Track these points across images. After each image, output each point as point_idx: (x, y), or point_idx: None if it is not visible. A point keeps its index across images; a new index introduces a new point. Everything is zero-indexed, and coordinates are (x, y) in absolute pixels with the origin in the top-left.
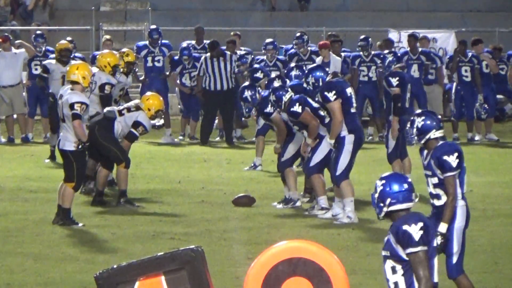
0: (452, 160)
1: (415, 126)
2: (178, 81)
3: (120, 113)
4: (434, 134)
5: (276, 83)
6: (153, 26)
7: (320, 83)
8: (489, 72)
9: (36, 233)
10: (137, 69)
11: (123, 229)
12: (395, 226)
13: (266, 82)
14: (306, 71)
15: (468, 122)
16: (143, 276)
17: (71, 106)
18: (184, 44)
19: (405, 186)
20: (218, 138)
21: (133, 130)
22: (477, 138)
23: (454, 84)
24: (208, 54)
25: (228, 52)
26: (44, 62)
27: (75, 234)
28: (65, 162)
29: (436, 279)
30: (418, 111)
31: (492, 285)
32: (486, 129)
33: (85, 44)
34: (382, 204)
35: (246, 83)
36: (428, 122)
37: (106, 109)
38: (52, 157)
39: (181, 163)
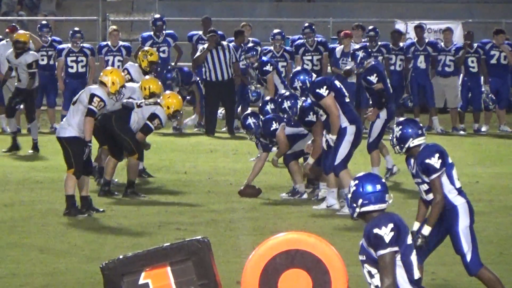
0: (435, 162)
1: (394, 135)
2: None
3: (138, 105)
4: (413, 142)
5: (268, 107)
6: (157, 16)
7: (308, 85)
8: (507, 63)
9: (42, 223)
10: (159, 69)
11: (129, 219)
12: (366, 229)
13: (260, 104)
14: (291, 76)
15: (474, 113)
16: (149, 267)
17: (91, 97)
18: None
19: (378, 187)
20: (224, 129)
21: (148, 122)
22: (483, 129)
23: (461, 75)
24: (206, 44)
25: (224, 43)
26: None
27: (81, 224)
28: (63, 150)
29: (417, 275)
30: (400, 119)
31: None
32: (499, 120)
33: (92, 34)
34: (355, 205)
35: (249, 111)
36: (406, 130)
37: (125, 100)
38: (14, 147)
39: (187, 153)
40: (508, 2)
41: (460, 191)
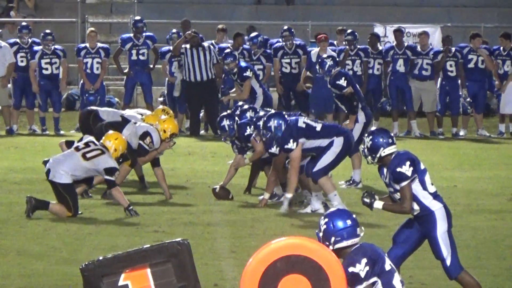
0: (406, 169)
1: (365, 146)
2: (167, 71)
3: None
4: (384, 151)
5: (249, 114)
6: (138, 17)
7: (283, 127)
8: (484, 68)
9: (20, 225)
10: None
11: (107, 221)
12: (343, 268)
13: (238, 112)
14: (264, 119)
15: (453, 117)
16: (128, 268)
17: (107, 171)
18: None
19: (349, 222)
20: (203, 131)
21: (141, 142)
22: (461, 133)
23: (439, 79)
24: (188, 44)
25: (205, 44)
26: None
27: (59, 226)
28: (57, 193)
29: None
30: (372, 128)
31: None
32: (477, 124)
33: (71, 36)
34: (327, 243)
35: (225, 113)
36: (377, 140)
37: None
38: None
39: (166, 156)
40: (486, 7)
41: (435, 195)
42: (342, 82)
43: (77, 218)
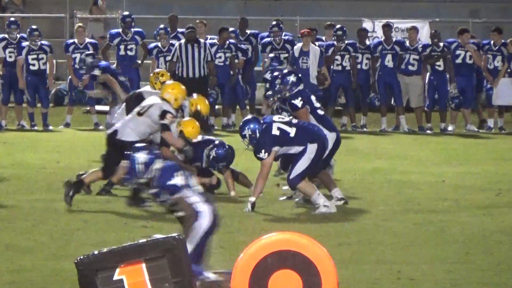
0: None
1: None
2: (156, 66)
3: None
4: None
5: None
6: (126, 13)
7: (257, 135)
8: (472, 63)
9: (8, 220)
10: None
11: (95, 217)
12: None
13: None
14: (241, 124)
15: (441, 112)
16: (123, 263)
17: (163, 113)
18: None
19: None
20: None
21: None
22: (450, 128)
23: (428, 74)
24: (183, 40)
25: (202, 40)
26: None
27: (47, 221)
28: (112, 152)
29: None
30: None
31: (463, 275)
32: (465, 120)
33: (59, 31)
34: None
35: (249, 117)
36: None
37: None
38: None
39: None
40: (475, 2)
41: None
42: (298, 102)
43: (66, 213)
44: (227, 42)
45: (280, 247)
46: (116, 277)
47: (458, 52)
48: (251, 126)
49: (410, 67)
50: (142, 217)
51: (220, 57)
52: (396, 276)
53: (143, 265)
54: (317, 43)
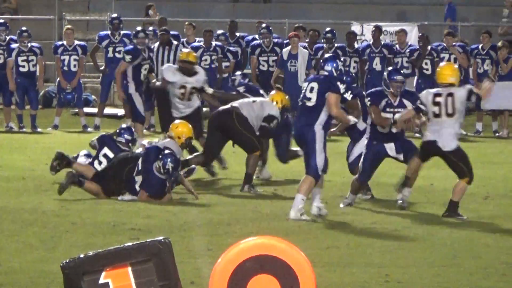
0: None
1: None
2: None
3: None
4: None
5: None
6: (115, 15)
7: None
8: (459, 66)
9: None
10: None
11: (83, 219)
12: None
13: None
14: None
15: None
16: (109, 266)
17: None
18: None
19: None
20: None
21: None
22: None
23: (415, 77)
24: (157, 43)
25: (175, 42)
26: None
27: (36, 223)
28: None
29: None
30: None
31: (451, 278)
32: None
33: (49, 33)
34: None
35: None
36: None
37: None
38: None
39: None
40: (463, 5)
41: None
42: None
43: (54, 215)
44: (213, 44)
45: (259, 251)
46: (102, 280)
47: (443, 55)
48: (334, 64)
49: (405, 70)
50: (130, 220)
51: (205, 60)
52: (384, 279)
53: (129, 269)
54: (314, 46)
